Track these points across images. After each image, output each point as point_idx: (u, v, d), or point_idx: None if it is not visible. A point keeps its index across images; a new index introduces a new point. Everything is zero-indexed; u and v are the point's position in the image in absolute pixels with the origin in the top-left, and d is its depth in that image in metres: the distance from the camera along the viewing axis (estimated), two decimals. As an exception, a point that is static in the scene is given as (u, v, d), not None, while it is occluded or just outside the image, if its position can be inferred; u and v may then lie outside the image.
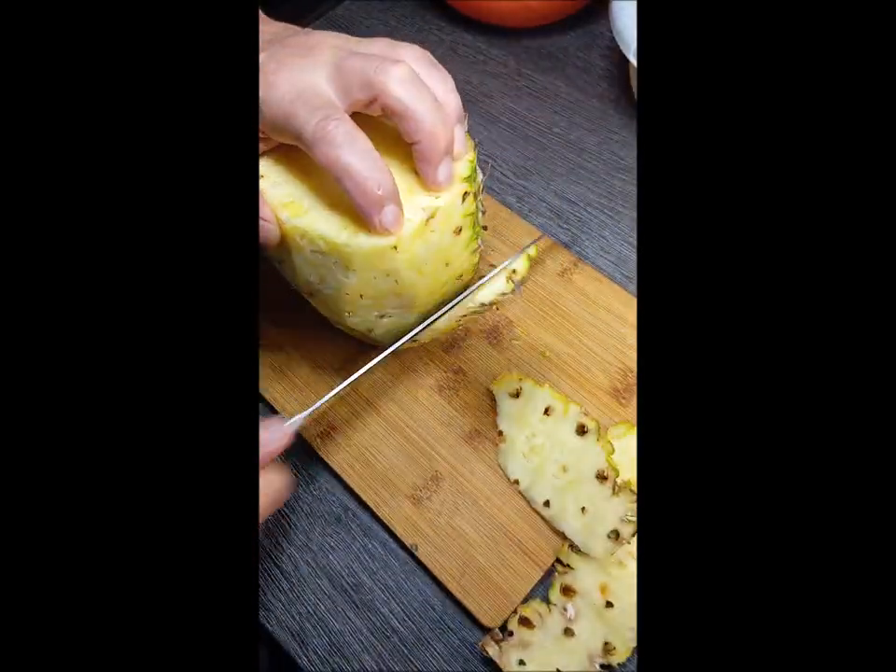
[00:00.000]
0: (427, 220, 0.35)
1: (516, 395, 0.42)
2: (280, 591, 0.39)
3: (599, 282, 0.48)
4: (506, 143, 0.57)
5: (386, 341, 0.40)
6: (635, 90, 0.57)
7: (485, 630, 0.37)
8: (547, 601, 0.37)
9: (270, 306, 0.45)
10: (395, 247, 0.34)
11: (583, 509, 0.37)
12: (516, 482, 0.40)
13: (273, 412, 0.44)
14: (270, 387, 0.45)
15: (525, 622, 0.36)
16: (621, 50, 0.51)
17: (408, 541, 0.39)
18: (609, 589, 0.36)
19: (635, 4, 0.51)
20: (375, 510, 0.40)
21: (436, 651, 0.37)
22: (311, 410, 0.36)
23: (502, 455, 0.41)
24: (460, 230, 0.37)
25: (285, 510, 0.42)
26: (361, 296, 0.37)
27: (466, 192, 0.36)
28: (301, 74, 0.34)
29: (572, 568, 0.36)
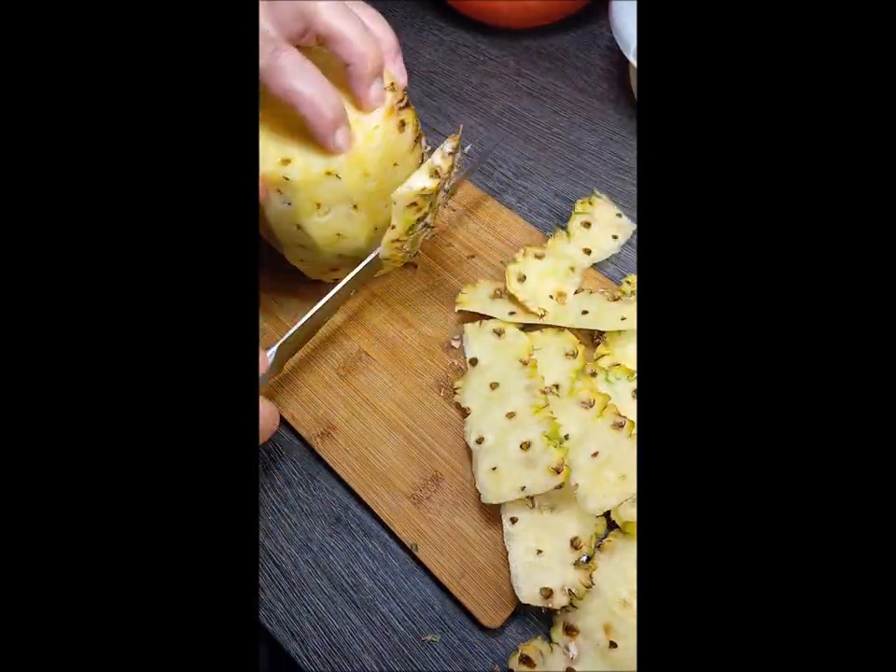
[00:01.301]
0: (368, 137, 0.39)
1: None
2: (280, 591, 0.39)
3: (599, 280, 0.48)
4: (506, 143, 0.57)
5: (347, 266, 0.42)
6: (635, 90, 0.57)
7: (485, 630, 0.37)
8: (549, 640, 0.36)
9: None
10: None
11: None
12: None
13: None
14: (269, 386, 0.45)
15: (527, 661, 0.35)
16: (621, 50, 0.51)
17: (408, 541, 0.39)
18: (614, 629, 0.35)
19: (634, 4, 0.51)
20: (375, 509, 0.40)
21: (436, 650, 0.37)
22: (286, 336, 0.39)
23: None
24: (403, 124, 0.40)
25: (285, 509, 0.42)
26: (318, 205, 0.39)
27: (403, 122, 0.40)
28: None
29: (575, 607, 0.35)
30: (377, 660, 0.37)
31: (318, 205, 0.39)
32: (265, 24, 0.36)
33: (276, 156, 0.38)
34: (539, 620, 0.37)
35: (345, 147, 0.37)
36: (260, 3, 0.36)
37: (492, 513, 0.39)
